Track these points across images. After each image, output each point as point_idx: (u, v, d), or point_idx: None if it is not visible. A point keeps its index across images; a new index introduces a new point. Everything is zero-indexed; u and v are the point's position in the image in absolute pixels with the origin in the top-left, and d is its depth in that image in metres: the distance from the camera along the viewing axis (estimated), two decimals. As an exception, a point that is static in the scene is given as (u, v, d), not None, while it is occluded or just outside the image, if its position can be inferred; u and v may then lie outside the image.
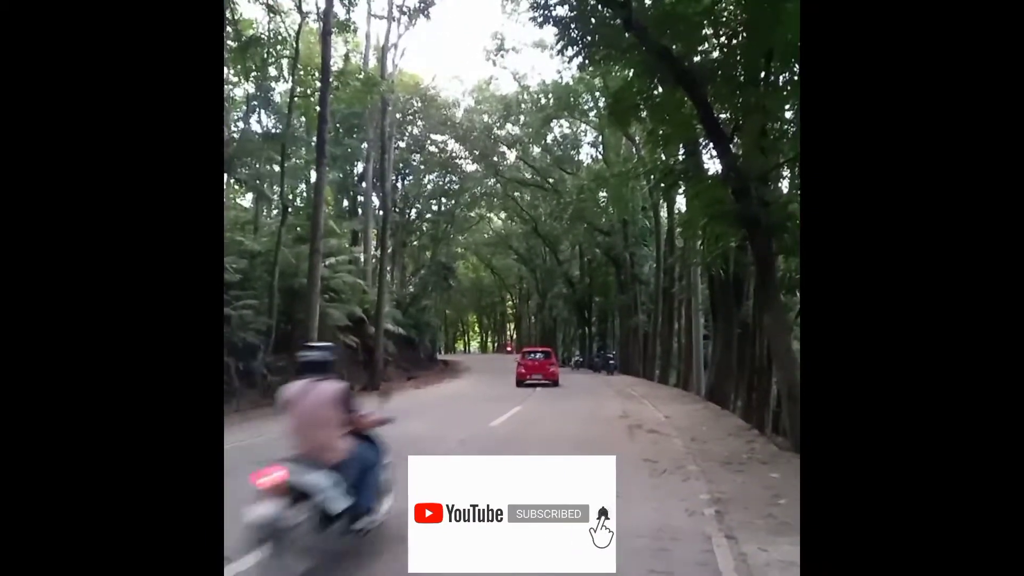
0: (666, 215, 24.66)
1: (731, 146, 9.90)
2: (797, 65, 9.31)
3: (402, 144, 29.77)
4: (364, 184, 26.13)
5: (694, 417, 11.38)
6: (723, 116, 10.22)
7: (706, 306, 19.79)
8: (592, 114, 27.59)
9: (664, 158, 14.35)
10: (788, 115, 10.12)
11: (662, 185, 16.01)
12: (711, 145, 10.79)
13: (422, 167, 32.85)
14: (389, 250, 24.49)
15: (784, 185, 11.91)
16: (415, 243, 35.85)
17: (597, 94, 24.27)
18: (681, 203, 19.83)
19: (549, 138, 31.43)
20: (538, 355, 20.17)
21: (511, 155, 32.85)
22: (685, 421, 10.57)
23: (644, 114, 12.72)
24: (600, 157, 29.65)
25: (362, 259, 24.48)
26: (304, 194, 26.54)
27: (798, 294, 17.90)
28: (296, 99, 18.13)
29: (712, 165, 12.97)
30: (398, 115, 27.01)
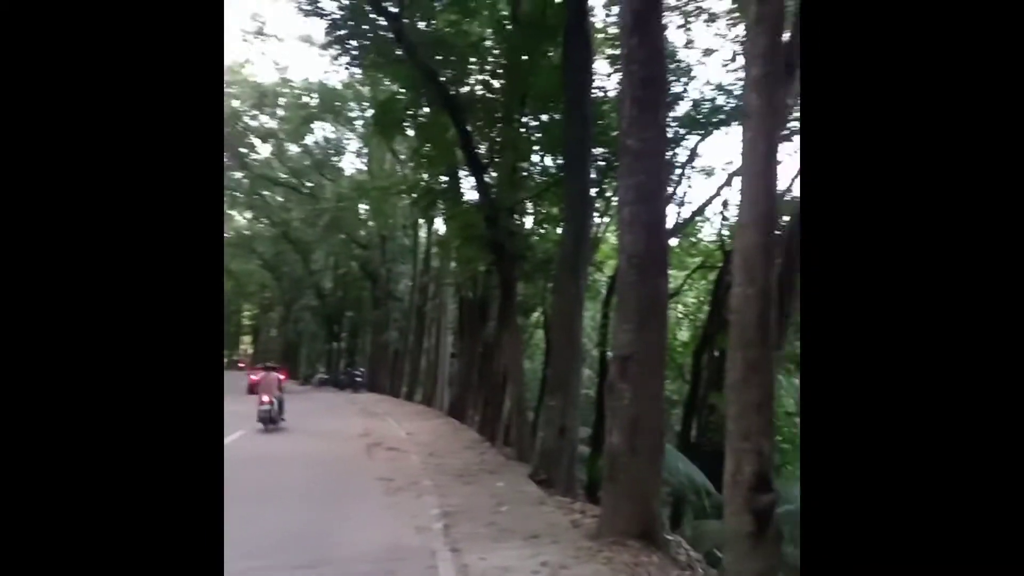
0: (424, 234, 25.25)
1: (486, 177, 10.64)
2: (545, 115, 10.55)
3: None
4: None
5: (434, 432, 11.62)
6: (481, 149, 10.94)
7: (455, 325, 20.71)
8: (359, 124, 26.87)
9: (426, 178, 14.75)
10: (536, 157, 11.34)
11: (422, 204, 16.38)
12: (469, 173, 11.44)
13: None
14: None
15: (528, 221, 13.25)
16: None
17: (365, 104, 23.75)
18: (440, 224, 20.55)
19: (310, 139, 29.43)
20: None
21: (264, 149, 29.80)
22: (426, 437, 10.70)
23: (410, 132, 12.87)
24: (364, 168, 28.93)
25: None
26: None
27: (531, 317, 20.04)
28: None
29: (469, 192, 13.73)
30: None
